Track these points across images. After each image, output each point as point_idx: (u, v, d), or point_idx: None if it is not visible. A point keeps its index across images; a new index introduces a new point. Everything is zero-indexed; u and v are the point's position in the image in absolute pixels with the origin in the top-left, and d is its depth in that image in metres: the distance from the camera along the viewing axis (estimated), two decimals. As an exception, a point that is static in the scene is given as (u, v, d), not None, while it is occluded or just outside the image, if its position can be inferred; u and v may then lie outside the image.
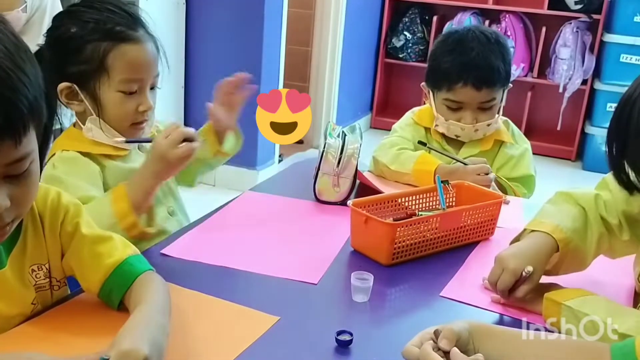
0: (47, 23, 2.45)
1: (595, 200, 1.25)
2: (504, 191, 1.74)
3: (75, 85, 1.33)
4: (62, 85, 1.33)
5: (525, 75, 4.62)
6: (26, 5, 2.36)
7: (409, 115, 1.93)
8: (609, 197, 1.24)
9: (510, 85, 1.83)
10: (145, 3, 3.21)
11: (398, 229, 1.26)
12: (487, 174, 1.67)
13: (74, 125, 1.41)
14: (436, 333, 0.90)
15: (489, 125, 1.78)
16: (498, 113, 1.80)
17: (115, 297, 1.02)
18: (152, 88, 1.40)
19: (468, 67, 1.72)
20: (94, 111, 1.34)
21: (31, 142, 0.86)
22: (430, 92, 1.82)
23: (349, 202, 1.33)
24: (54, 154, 1.35)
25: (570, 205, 1.25)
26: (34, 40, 2.41)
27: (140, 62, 1.34)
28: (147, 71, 1.36)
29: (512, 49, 4.47)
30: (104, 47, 1.31)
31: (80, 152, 1.35)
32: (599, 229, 1.23)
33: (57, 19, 1.39)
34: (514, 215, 1.52)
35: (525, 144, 1.88)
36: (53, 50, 1.33)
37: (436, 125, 1.83)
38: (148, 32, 1.37)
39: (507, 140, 1.83)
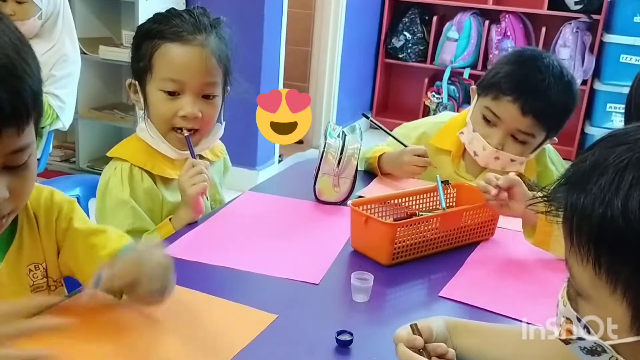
0: (60, 26, 2.52)
1: None
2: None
3: (136, 82, 1.37)
4: (128, 80, 1.38)
5: (525, 76, 4.61)
6: (41, 13, 2.46)
7: (423, 134, 1.80)
8: None
9: (555, 139, 1.69)
10: (145, 3, 3.21)
11: (398, 229, 1.26)
12: (424, 156, 1.65)
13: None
14: (413, 328, 0.91)
15: (512, 161, 1.63)
16: (527, 158, 1.67)
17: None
18: (206, 97, 1.38)
19: (526, 86, 1.56)
20: (145, 109, 1.38)
21: (31, 134, 0.87)
22: (477, 96, 1.68)
23: (349, 202, 1.33)
24: (122, 159, 1.39)
25: None
26: (47, 43, 2.50)
27: (181, 63, 1.34)
28: (191, 74, 1.34)
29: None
30: (153, 45, 1.34)
31: (143, 169, 1.38)
32: None
33: (149, 19, 1.43)
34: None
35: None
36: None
37: (461, 132, 1.70)
38: (213, 40, 1.37)
39: (530, 176, 1.67)
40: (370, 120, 1.77)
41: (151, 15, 1.43)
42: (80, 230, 1.05)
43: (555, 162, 1.80)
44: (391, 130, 1.85)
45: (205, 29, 1.37)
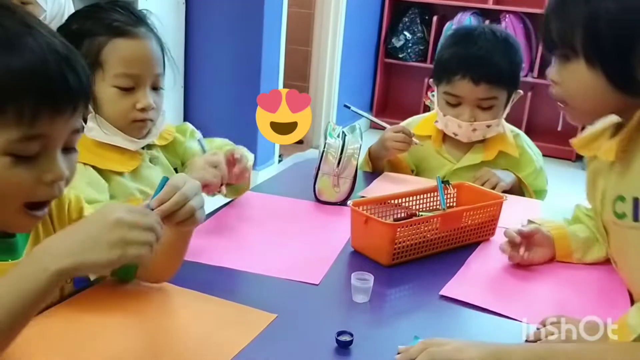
0: None
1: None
2: (523, 194, 1.76)
3: None
4: None
5: (526, 76, 4.62)
6: (46, 15, 2.47)
7: (408, 124, 1.93)
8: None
9: (520, 92, 1.78)
10: (145, 3, 3.21)
11: (398, 230, 1.26)
12: (403, 132, 1.74)
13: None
14: None
15: (488, 126, 1.75)
16: (502, 116, 1.78)
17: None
18: (155, 89, 1.38)
19: (468, 60, 1.69)
20: (92, 108, 1.34)
21: None
22: (435, 87, 1.82)
23: (349, 202, 1.33)
24: None
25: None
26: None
27: (135, 57, 1.33)
28: (144, 68, 1.34)
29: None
30: (99, 41, 1.31)
31: (88, 165, 1.33)
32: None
33: (67, 19, 1.41)
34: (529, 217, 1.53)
35: (541, 158, 1.88)
36: None
37: (436, 122, 1.82)
38: (152, 32, 1.36)
39: (512, 153, 1.81)
40: (352, 110, 1.79)
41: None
42: None
43: (531, 146, 1.89)
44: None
45: (143, 21, 1.36)
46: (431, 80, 1.84)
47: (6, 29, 0.84)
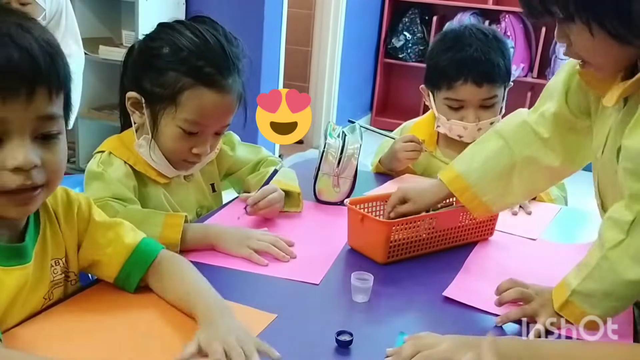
0: (63, 26, 2.53)
1: (522, 126, 1.31)
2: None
3: (143, 100, 1.32)
4: (132, 93, 1.33)
5: (525, 76, 4.62)
6: (45, 14, 2.47)
7: (403, 128, 1.96)
8: (545, 109, 1.28)
9: (511, 84, 1.81)
10: (145, 3, 3.21)
11: (394, 228, 1.26)
12: (413, 141, 1.77)
13: (136, 130, 1.39)
14: None
15: (492, 124, 1.76)
16: (500, 113, 1.79)
17: (134, 279, 1.07)
18: (217, 133, 1.38)
19: (467, 64, 1.69)
20: (150, 131, 1.34)
21: (61, 109, 0.91)
22: (430, 93, 1.81)
23: (346, 201, 1.33)
24: (102, 151, 1.38)
25: (492, 141, 1.34)
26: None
27: (211, 110, 1.31)
28: (216, 120, 1.34)
29: (512, 49, 4.49)
30: (184, 82, 1.28)
31: (127, 163, 1.36)
32: (519, 159, 1.29)
33: (159, 27, 1.36)
34: (538, 224, 1.53)
35: None
36: (140, 56, 1.34)
37: (438, 127, 1.82)
38: (238, 81, 1.33)
39: None
40: (360, 126, 1.78)
41: (163, 22, 1.35)
42: (100, 223, 1.09)
43: None
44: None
45: (235, 69, 1.33)
46: (423, 86, 1.84)
47: None
